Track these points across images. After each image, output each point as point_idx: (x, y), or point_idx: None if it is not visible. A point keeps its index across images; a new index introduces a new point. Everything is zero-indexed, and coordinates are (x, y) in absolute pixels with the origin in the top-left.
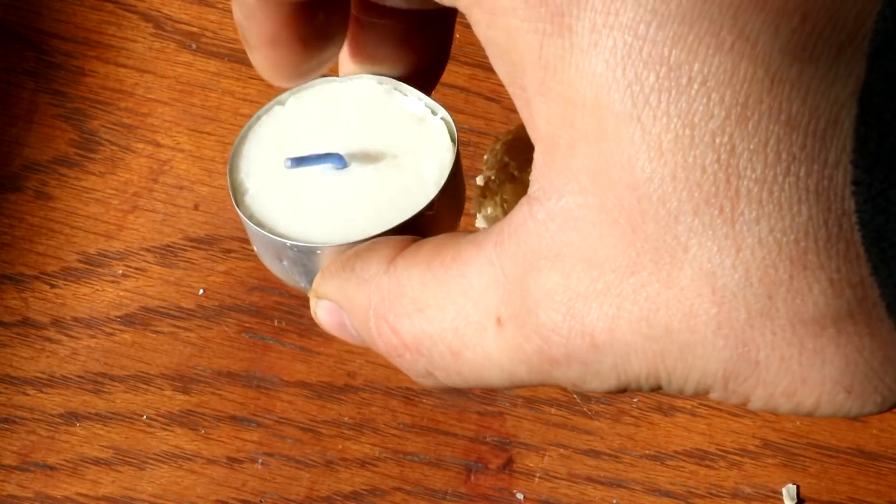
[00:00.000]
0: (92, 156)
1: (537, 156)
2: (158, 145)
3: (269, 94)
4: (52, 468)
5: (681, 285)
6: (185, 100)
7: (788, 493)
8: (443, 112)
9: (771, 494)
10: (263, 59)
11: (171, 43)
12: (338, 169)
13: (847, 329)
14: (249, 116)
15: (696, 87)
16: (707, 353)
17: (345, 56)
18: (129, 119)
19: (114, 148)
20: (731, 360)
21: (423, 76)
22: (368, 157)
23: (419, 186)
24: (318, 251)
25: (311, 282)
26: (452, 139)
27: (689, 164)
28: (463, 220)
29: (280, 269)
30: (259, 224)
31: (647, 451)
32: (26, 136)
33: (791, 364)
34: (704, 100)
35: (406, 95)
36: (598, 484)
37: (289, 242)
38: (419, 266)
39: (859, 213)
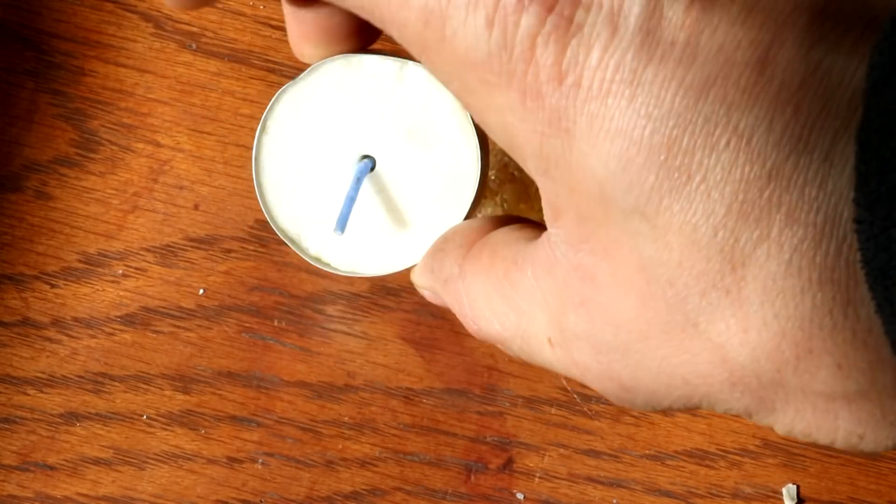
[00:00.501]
0: (92, 156)
1: (551, 203)
2: (158, 145)
3: (269, 94)
4: (52, 468)
5: (692, 352)
6: (185, 100)
7: (788, 493)
8: (476, 138)
9: (771, 494)
10: (299, 49)
11: (171, 43)
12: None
13: (858, 400)
14: (249, 116)
15: (694, 185)
16: (727, 399)
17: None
18: (129, 119)
19: (114, 148)
20: (751, 405)
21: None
22: (395, 162)
23: (448, 204)
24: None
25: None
26: (479, 162)
27: (693, 254)
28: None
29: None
30: (293, 238)
31: (648, 451)
32: (26, 136)
33: (805, 415)
34: (704, 197)
35: (451, 102)
36: (598, 484)
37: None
38: (481, 276)
39: (863, 251)
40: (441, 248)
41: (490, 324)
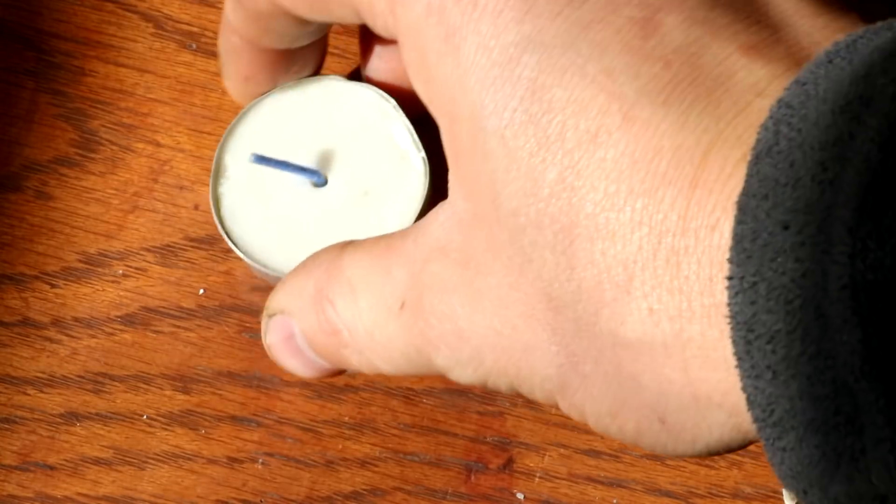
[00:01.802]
0: (92, 156)
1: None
2: (158, 145)
3: None
4: (52, 468)
5: (524, 290)
6: (185, 100)
7: (789, 493)
8: (423, 152)
9: (771, 494)
10: (235, 88)
11: (172, 43)
12: (317, 185)
13: (658, 360)
14: None
15: (554, 111)
16: (544, 357)
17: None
18: (129, 119)
19: (114, 148)
20: (564, 367)
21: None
22: (347, 179)
23: (395, 219)
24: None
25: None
26: (426, 176)
27: (538, 183)
28: None
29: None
30: (237, 239)
31: (648, 451)
32: (26, 136)
33: (612, 383)
34: (560, 126)
35: (399, 122)
36: (598, 484)
37: (264, 270)
38: (360, 252)
39: (730, 305)
40: (322, 248)
41: (346, 299)
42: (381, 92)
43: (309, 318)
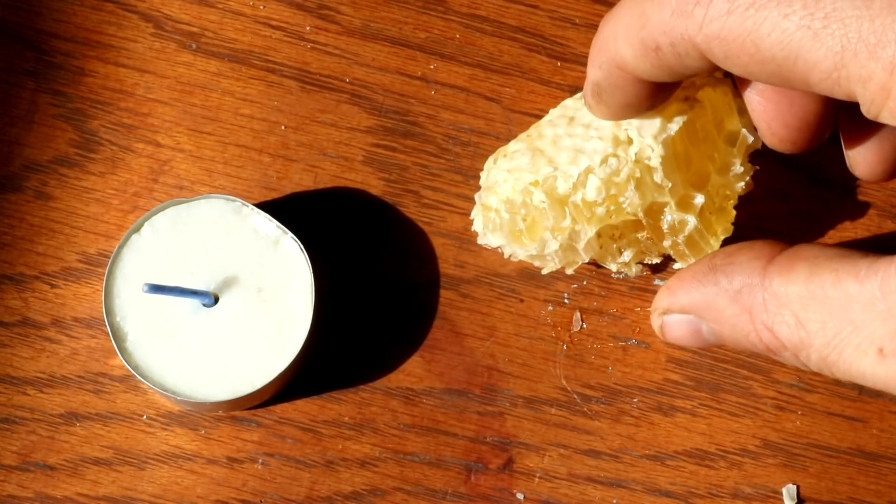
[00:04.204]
0: (92, 156)
1: None
2: (158, 145)
3: (268, 93)
4: (52, 468)
5: None
6: (185, 100)
7: (788, 493)
8: (290, 233)
9: (771, 494)
10: (610, 114)
11: (171, 43)
12: (207, 306)
13: None
14: (250, 117)
15: None
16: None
17: None
18: (129, 119)
19: (114, 148)
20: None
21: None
22: (234, 290)
23: (289, 321)
24: (211, 403)
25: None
26: (307, 262)
27: None
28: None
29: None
30: (145, 373)
31: (648, 451)
32: (26, 136)
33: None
34: None
35: (255, 215)
36: (598, 484)
37: (180, 398)
38: (796, 284)
39: None
40: (727, 261)
41: (794, 330)
42: (224, 196)
43: (737, 335)
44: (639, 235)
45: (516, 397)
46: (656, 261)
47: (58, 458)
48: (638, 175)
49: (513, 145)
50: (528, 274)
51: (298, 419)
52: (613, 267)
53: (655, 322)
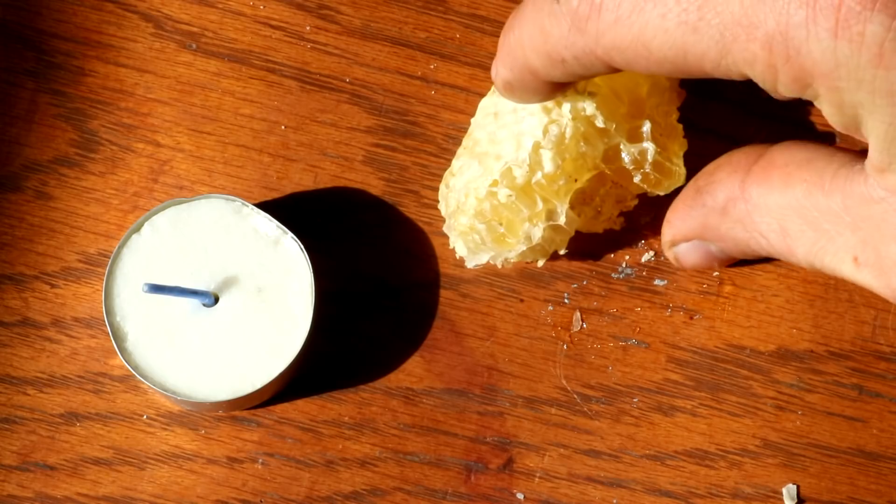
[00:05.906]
0: (92, 156)
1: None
2: (158, 145)
3: (268, 93)
4: (52, 468)
5: None
6: (185, 100)
7: (788, 493)
8: (290, 232)
9: (771, 494)
10: (525, 101)
11: (171, 43)
12: (207, 306)
13: None
14: (250, 116)
15: None
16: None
17: None
18: (129, 119)
19: (114, 148)
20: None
21: None
22: (234, 290)
23: (289, 321)
24: (211, 403)
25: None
26: (307, 262)
27: None
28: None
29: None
30: (145, 373)
31: (648, 451)
32: (26, 136)
33: None
34: None
35: (255, 215)
36: (598, 484)
37: (180, 398)
38: (773, 194)
39: None
40: (709, 181)
41: (780, 237)
42: (224, 196)
43: (736, 244)
44: (608, 188)
45: (516, 397)
46: (634, 202)
47: (58, 458)
48: (582, 129)
49: (456, 163)
50: (528, 274)
51: (298, 419)
52: (600, 230)
53: (670, 256)
